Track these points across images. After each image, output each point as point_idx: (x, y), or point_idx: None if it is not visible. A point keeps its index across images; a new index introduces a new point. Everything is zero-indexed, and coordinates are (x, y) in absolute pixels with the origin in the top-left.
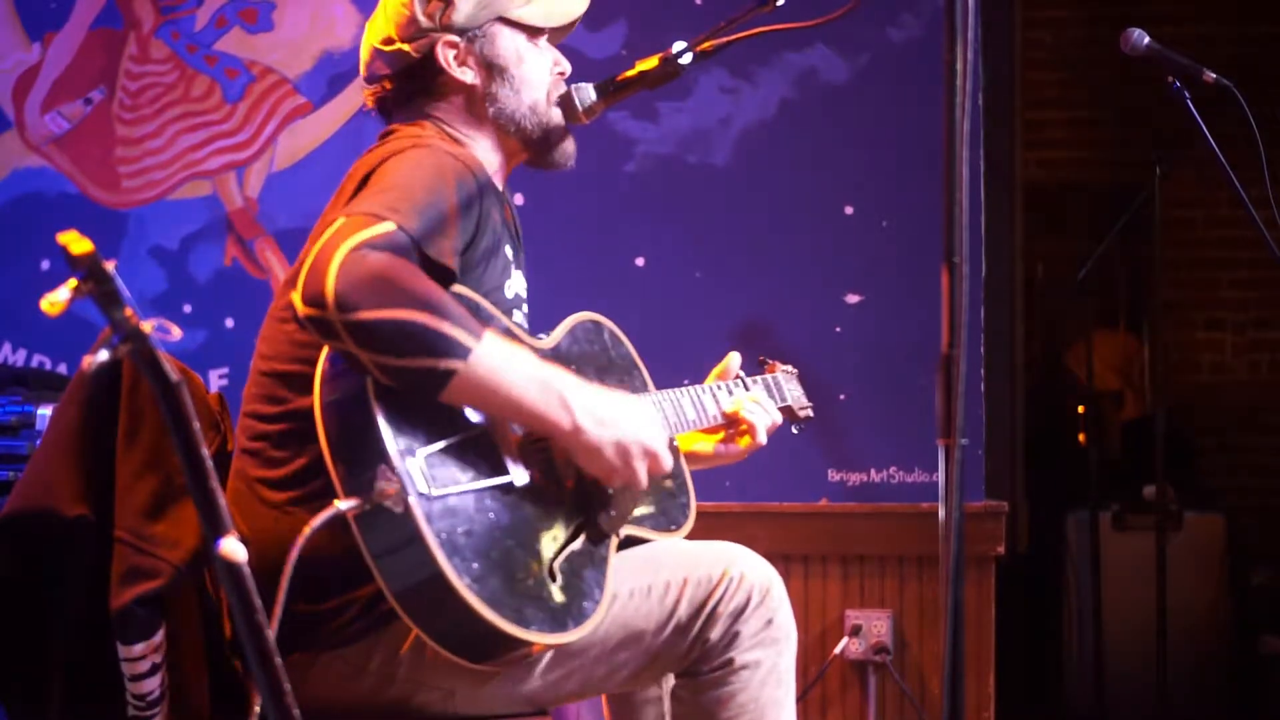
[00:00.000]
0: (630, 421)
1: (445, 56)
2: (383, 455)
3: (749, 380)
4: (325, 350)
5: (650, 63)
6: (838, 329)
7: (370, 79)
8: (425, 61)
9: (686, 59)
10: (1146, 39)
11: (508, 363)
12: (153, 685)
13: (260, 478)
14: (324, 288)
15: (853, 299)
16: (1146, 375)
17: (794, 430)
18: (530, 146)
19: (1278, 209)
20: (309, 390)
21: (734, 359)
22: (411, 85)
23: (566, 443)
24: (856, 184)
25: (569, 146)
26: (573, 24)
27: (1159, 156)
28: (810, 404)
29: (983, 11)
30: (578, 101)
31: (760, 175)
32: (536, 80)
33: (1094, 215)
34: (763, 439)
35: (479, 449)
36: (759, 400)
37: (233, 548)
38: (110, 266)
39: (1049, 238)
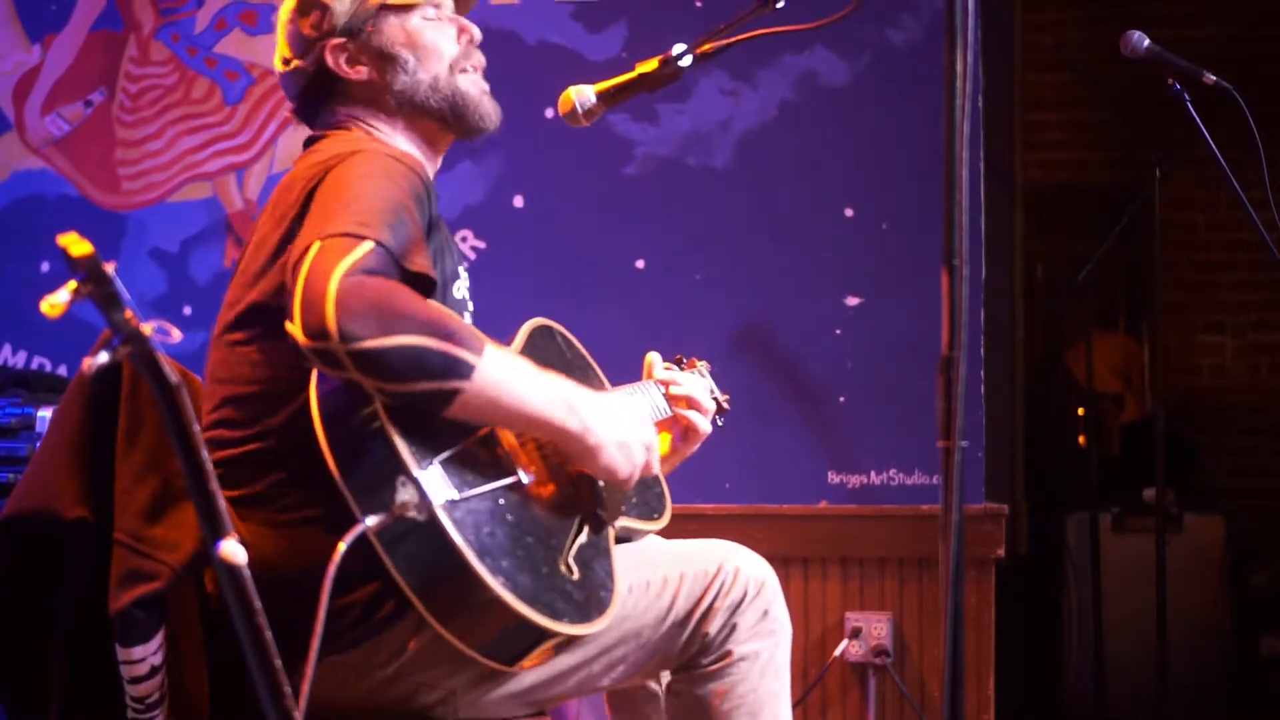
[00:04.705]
0: (629, 419)
1: (335, 60)
2: (401, 467)
3: (678, 373)
4: (316, 371)
5: (650, 65)
6: (838, 331)
7: (290, 100)
8: (321, 71)
9: (686, 61)
10: (1146, 41)
11: (512, 375)
12: (152, 687)
13: (229, 497)
14: (325, 320)
15: (852, 301)
16: (1146, 377)
17: (718, 421)
18: (446, 122)
19: (1278, 210)
20: (274, 410)
21: (655, 356)
22: (317, 96)
23: (574, 445)
24: (856, 186)
25: (484, 107)
26: None
27: (1159, 157)
28: (727, 394)
29: (982, 13)
30: (578, 104)
31: (760, 177)
32: (434, 55)
33: (1094, 216)
34: (707, 427)
35: (485, 451)
36: (699, 386)
37: (232, 550)
38: (110, 268)
39: (1049, 238)
